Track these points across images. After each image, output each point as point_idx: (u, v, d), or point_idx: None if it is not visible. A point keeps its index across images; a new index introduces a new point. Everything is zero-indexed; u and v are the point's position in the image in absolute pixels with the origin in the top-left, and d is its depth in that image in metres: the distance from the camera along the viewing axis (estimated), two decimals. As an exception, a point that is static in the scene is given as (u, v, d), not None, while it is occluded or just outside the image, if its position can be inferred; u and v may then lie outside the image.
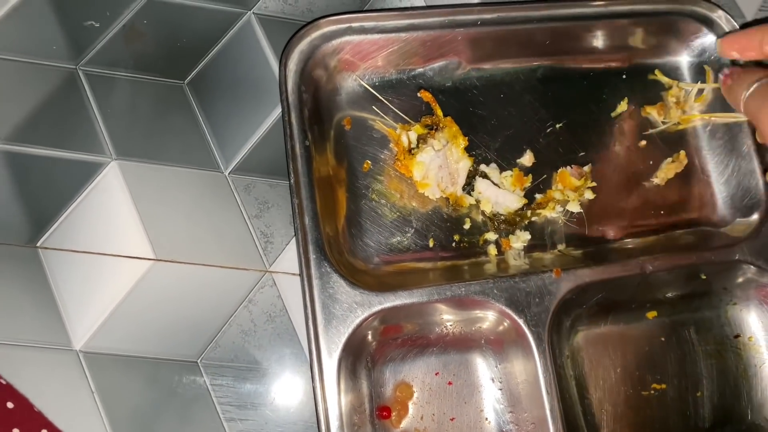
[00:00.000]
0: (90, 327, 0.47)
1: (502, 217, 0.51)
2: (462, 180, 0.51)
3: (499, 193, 0.51)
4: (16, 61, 0.50)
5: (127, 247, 0.48)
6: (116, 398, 0.46)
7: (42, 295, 0.47)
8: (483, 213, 0.52)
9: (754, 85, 0.45)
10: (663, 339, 0.52)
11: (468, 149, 0.52)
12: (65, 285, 0.47)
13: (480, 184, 0.51)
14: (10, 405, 0.43)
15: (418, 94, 0.53)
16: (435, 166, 0.51)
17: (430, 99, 0.52)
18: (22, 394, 0.45)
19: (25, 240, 0.47)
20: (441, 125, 0.52)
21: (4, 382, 0.44)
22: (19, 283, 0.47)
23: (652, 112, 0.56)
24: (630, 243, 0.52)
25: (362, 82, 0.51)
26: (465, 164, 0.51)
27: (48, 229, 0.48)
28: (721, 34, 0.53)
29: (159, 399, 0.46)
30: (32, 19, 0.51)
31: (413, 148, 0.51)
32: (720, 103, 0.55)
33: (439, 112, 0.52)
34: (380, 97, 0.52)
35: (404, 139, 0.51)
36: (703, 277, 0.51)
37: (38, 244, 0.47)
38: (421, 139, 0.51)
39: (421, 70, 0.53)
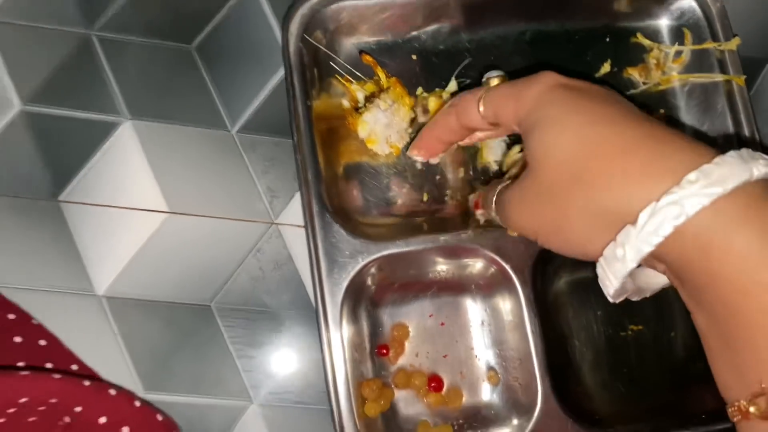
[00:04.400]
0: (111, 274, 0.50)
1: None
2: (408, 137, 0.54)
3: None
4: (34, 27, 0.52)
5: (143, 201, 0.52)
6: (137, 339, 0.50)
7: (65, 246, 0.50)
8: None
9: (493, 198, 0.43)
10: (640, 284, 0.56)
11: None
12: (86, 236, 0.51)
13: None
14: (42, 342, 0.47)
15: (362, 58, 0.55)
16: (381, 125, 0.53)
17: (371, 62, 0.54)
18: (52, 333, 0.49)
19: (47, 195, 0.51)
20: (386, 86, 0.54)
21: (35, 322, 0.48)
22: (44, 234, 0.50)
23: (634, 74, 0.59)
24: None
25: (320, 46, 0.53)
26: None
27: (68, 185, 0.51)
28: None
29: (176, 339, 0.50)
30: (46, -13, 0.54)
31: (359, 108, 0.53)
32: (697, 65, 0.58)
33: (381, 74, 0.54)
34: (336, 58, 0.55)
35: (360, 96, 0.53)
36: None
37: (60, 199, 0.51)
38: (370, 99, 0.53)
39: (415, 33, 0.56)
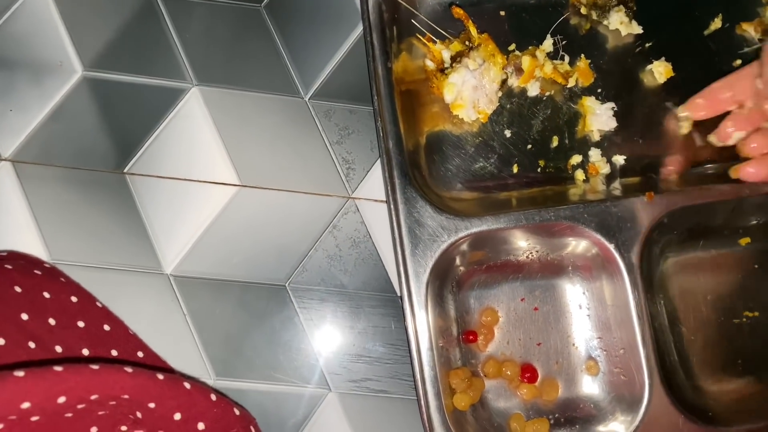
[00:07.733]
0: (179, 251, 0.47)
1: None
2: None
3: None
4: (95, -15, 0.49)
5: (212, 173, 0.48)
6: (207, 322, 0.47)
7: (131, 220, 0.47)
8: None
9: None
10: (756, 266, 0.50)
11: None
12: (153, 210, 0.47)
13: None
14: (106, 327, 0.44)
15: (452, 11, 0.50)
16: (469, 87, 0.48)
17: (462, 15, 0.49)
18: (117, 317, 0.46)
19: (112, 166, 0.48)
20: (476, 43, 0.49)
21: (100, 305, 0.45)
22: (110, 208, 0.47)
23: (749, 29, 0.52)
24: (726, 166, 0.50)
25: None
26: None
27: (134, 156, 0.48)
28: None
29: (248, 321, 0.47)
30: (105, -55, 0.50)
31: (446, 68, 0.49)
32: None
33: (473, 29, 0.49)
34: (418, 14, 0.49)
35: (446, 56, 0.48)
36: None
37: (125, 170, 0.48)
38: (456, 59, 0.48)
39: (504, -13, 0.51)
